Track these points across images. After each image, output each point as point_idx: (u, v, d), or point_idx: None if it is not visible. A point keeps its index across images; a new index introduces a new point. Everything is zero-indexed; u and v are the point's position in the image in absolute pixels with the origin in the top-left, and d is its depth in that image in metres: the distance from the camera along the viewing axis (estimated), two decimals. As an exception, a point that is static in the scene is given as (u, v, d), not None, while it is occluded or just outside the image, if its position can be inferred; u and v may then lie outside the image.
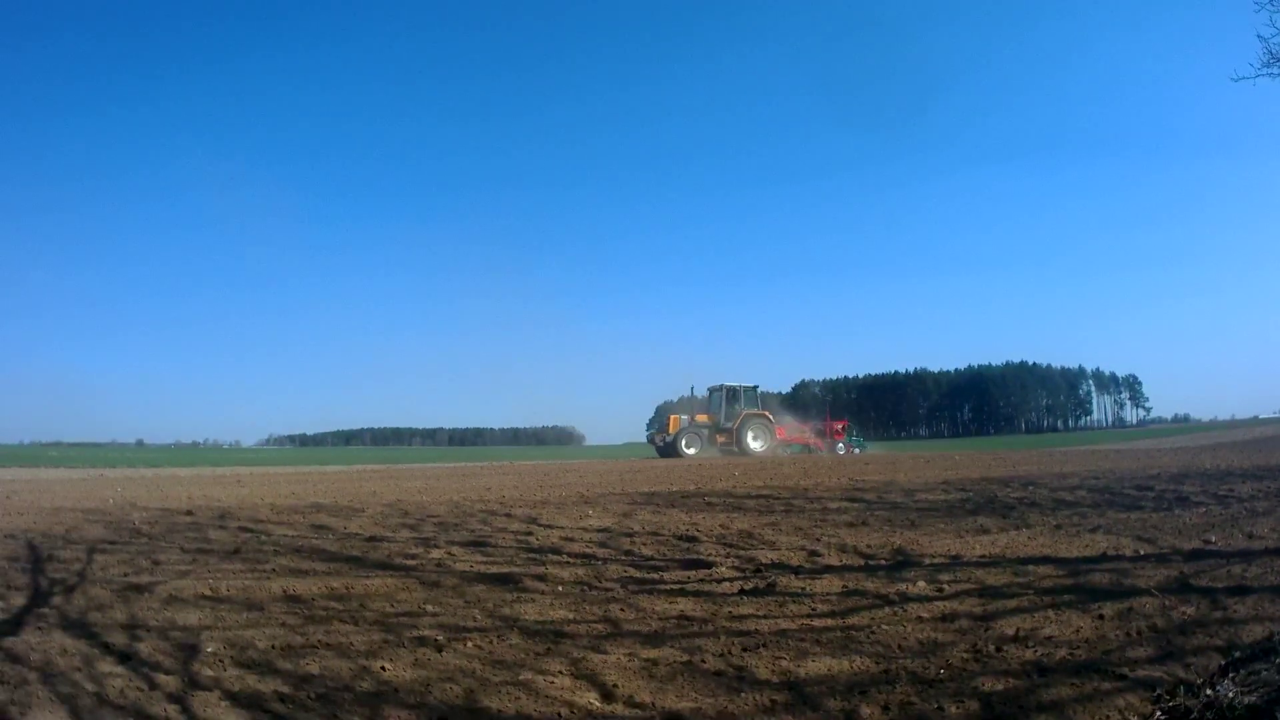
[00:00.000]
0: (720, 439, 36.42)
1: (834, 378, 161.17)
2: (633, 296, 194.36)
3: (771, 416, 37.43)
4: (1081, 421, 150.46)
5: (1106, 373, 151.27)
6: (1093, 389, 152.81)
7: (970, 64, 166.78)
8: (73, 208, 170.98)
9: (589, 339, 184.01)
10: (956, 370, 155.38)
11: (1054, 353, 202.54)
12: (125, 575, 7.10)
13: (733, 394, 37.49)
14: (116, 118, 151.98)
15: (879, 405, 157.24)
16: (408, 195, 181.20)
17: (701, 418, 37.42)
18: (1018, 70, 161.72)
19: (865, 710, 3.70)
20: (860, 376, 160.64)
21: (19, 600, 6.39)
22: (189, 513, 11.43)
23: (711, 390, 38.55)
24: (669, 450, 35.95)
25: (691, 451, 35.40)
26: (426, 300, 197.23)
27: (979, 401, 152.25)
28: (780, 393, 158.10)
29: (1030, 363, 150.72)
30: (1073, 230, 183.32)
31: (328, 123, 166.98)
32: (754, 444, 35.64)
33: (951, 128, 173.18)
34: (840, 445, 39.98)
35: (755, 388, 38.05)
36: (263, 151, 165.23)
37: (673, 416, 37.87)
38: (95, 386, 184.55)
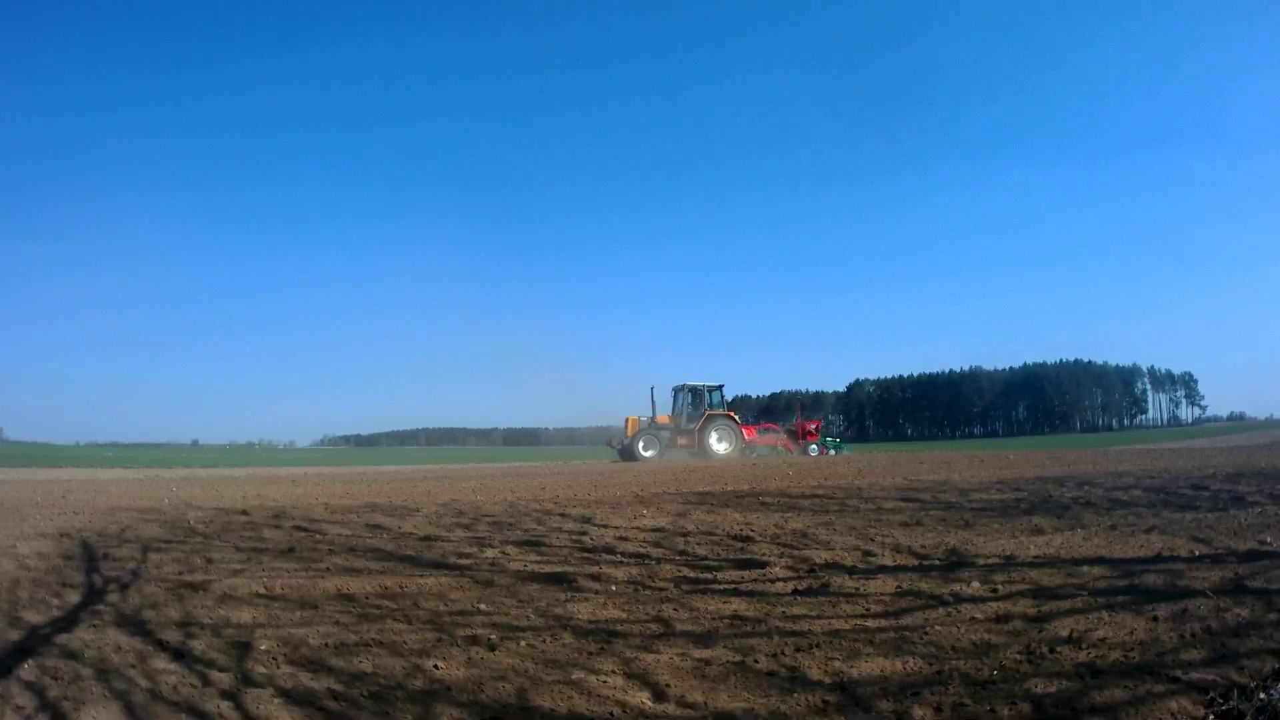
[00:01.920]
0: (681, 441, 35.21)
1: (887, 377, 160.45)
2: (680, 298, 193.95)
3: (736, 417, 36.14)
4: (1136, 420, 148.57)
5: (1162, 370, 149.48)
6: (1148, 387, 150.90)
7: (1009, 56, 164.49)
8: (125, 211, 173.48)
9: (638, 339, 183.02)
10: (1011, 369, 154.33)
11: (1109, 350, 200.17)
12: (180, 573, 7.20)
13: (695, 394, 36.40)
14: (161, 115, 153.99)
15: (933, 404, 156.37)
16: (457, 195, 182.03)
17: (662, 419, 36.23)
18: (1063, 62, 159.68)
19: (917, 711, 3.68)
20: (914, 375, 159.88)
21: (74, 598, 6.50)
22: (244, 512, 11.55)
23: (675, 390, 37.10)
24: (627, 453, 34.91)
25: (649, 454, 34.14)
26: (482, 300, 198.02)
27: (1034, 400, 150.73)
28: (835, 392, 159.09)
29: (1085, 360, 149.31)
30: (1128, 226, 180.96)
31: (383, 121, 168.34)
32: (717, 446, 34.42)
33: (998, 124, 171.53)
34: (813, 447, 38.51)
35: (720, 387, 36.82)
36: (315, 148, 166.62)
37: (630, 418, 36.45)
38: (151, 388, 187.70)
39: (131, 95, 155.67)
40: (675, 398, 36.97)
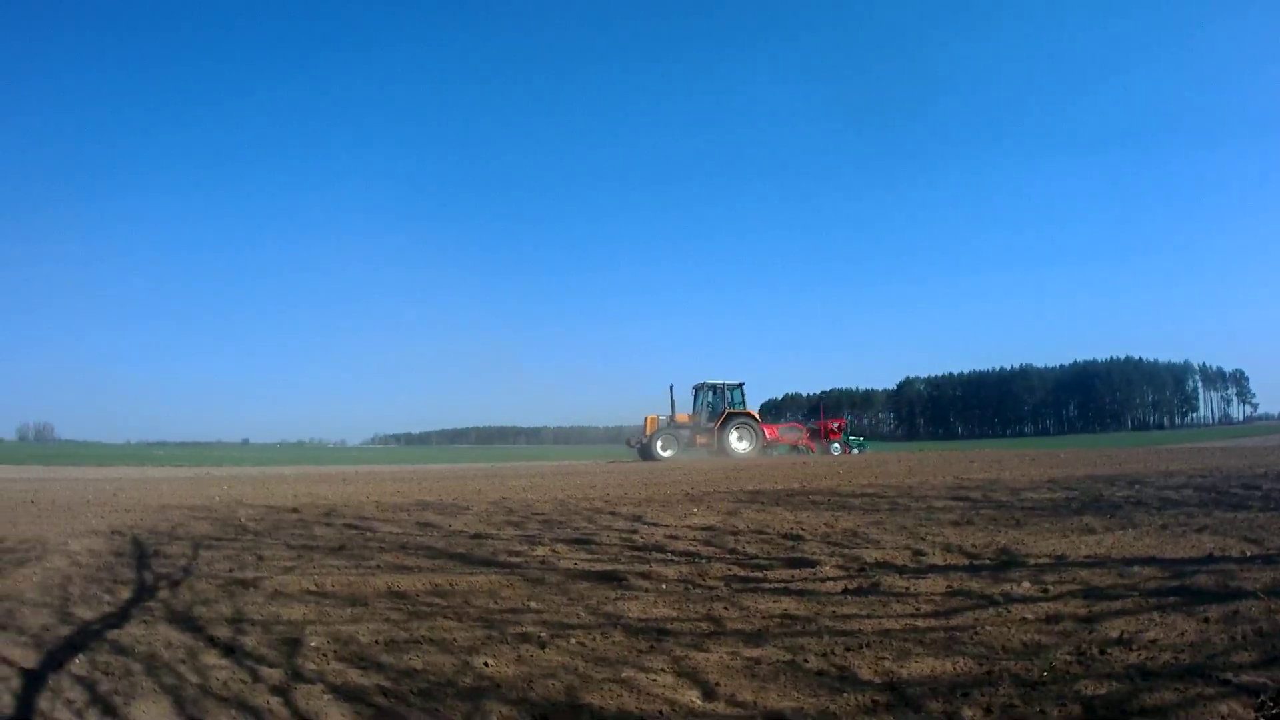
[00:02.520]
0: (701, 440, 34.78)
1: (938, 375, 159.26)
2: (733, 298, 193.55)
3: (757, 416, 35.87)
4: (1187, 418, 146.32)
5: (1213, 368, 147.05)
6: (1199, 385, 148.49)
7: (1067, 48, 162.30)
8: (176, 212, 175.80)
9: (686, 339, 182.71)
10: (1061, 366, 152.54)
11: (1160, 347, 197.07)
12: (230, 571, 7.30)
13: (715, 392, 35.91)
14: (207, 114, 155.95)
15: (983, 402, 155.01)
16: (505, 197, 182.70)
17: (682, 418, 35.77)
18: (1118, 55, 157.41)
19: (967, 712, 3.65)
20: (964, 374, 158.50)
21: (125, 594, 6.60)
22: (295, 510, 11.71)
23: (696, 389, 36.89)
24: (645, 452, 34.66)
25: (668, 454, 33.75)
26: (532, 299, 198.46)
27: (1084, 398, 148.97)
28: (885, 390, 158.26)
29: (1136, 358, 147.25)
30: (1179, 221, 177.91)
31: (423, 122, 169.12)
32: (737, 445, 33.96)
33: (1050, 116, 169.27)
34: (836, 446, 38.01)
35: (740, 385, 36.15)
36: (367, 151, 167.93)
37: (650, 417, 36.03)
38: (202, 388, 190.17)
39: (174, 95, 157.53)
40: (695, 396, 36.63)
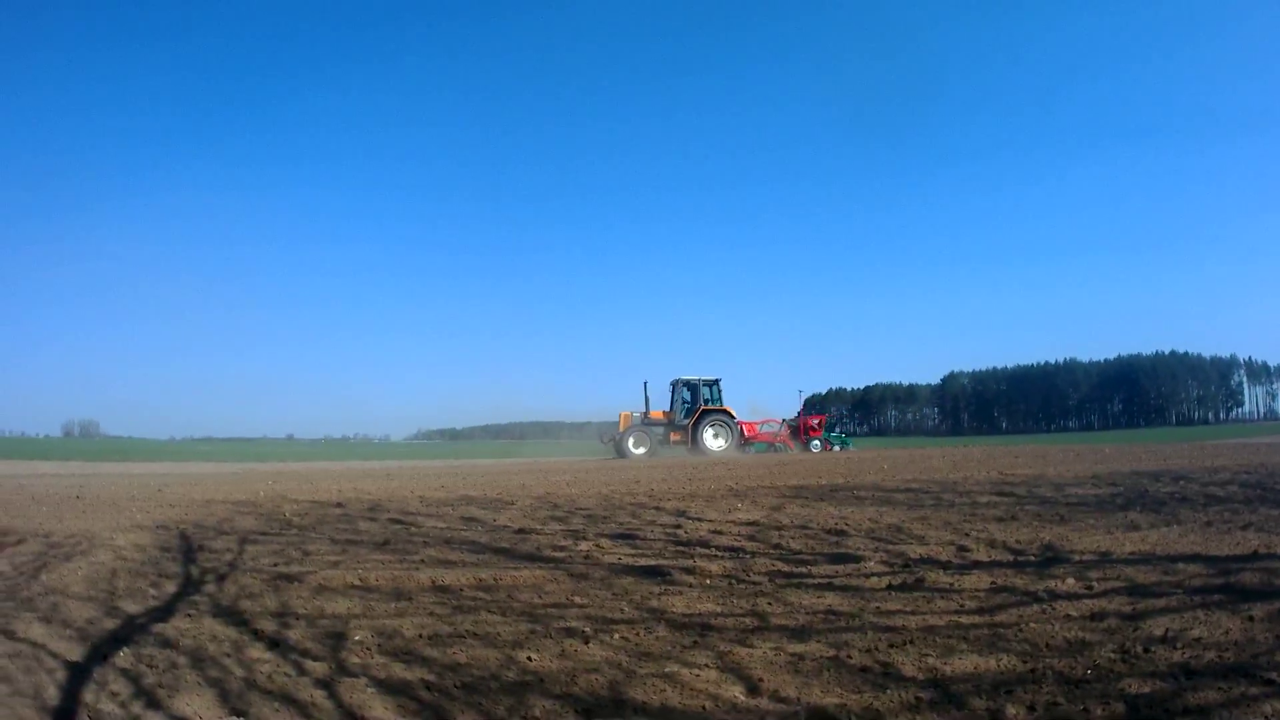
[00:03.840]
0: (675, 437, 33.90)
1: (983, 369, 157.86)
2: (778, 293, 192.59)
3: (733, 412, 34.52)
4: (1233, 413, 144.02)
5: (1259, 362, 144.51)
6: (1245, 379, 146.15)
7: (1113, 37, 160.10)
8: (218, 209, 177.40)
9: (738, 332, 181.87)
10: (1106, 360, 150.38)
11: (1205, 341, 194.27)
12: (275, 565, 7.39)
13: (690, 388, 34.91)
14: (270, 112, 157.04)
15: (1028, 397, 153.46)
16: (543, 199, 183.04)
17: (656, 414, 34.73)
18: (1158, 41, 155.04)
19: (1010, 710, 3.65)
20: (1009, 368, 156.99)
21: (170, 588, 6.72)
22: (339, 505, 11.87)
23: (672, 384, 35.50)
24: (618, 450, 33.57)
25: (639, 452, 32.69)
26: (574, 294, 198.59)
27: (1129, 393, 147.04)
28: (929, 385, 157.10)
29: (1181, 352, 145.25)
30: (1224, 213, 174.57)
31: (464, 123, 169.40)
32: (713, 443, 33.15)
33: (1094, 103, 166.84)
34: (816, 443, 36.35)
35: (717, 381, 35.16)
36: (411, 151, 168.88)
37: (624, 413, 34.75)
38: (246, 384, 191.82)
39: (217, 93, 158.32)
40: (671, 392, 35.53)
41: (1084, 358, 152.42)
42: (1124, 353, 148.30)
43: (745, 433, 34.76)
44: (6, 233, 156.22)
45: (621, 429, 34.05)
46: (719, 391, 34.98)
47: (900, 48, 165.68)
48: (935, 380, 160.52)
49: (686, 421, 33.80)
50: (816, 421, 38.15)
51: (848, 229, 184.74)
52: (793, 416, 37.71)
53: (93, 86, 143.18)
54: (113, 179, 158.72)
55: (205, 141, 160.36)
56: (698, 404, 34.22)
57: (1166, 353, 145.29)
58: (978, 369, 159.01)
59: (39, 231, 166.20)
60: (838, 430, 41.84)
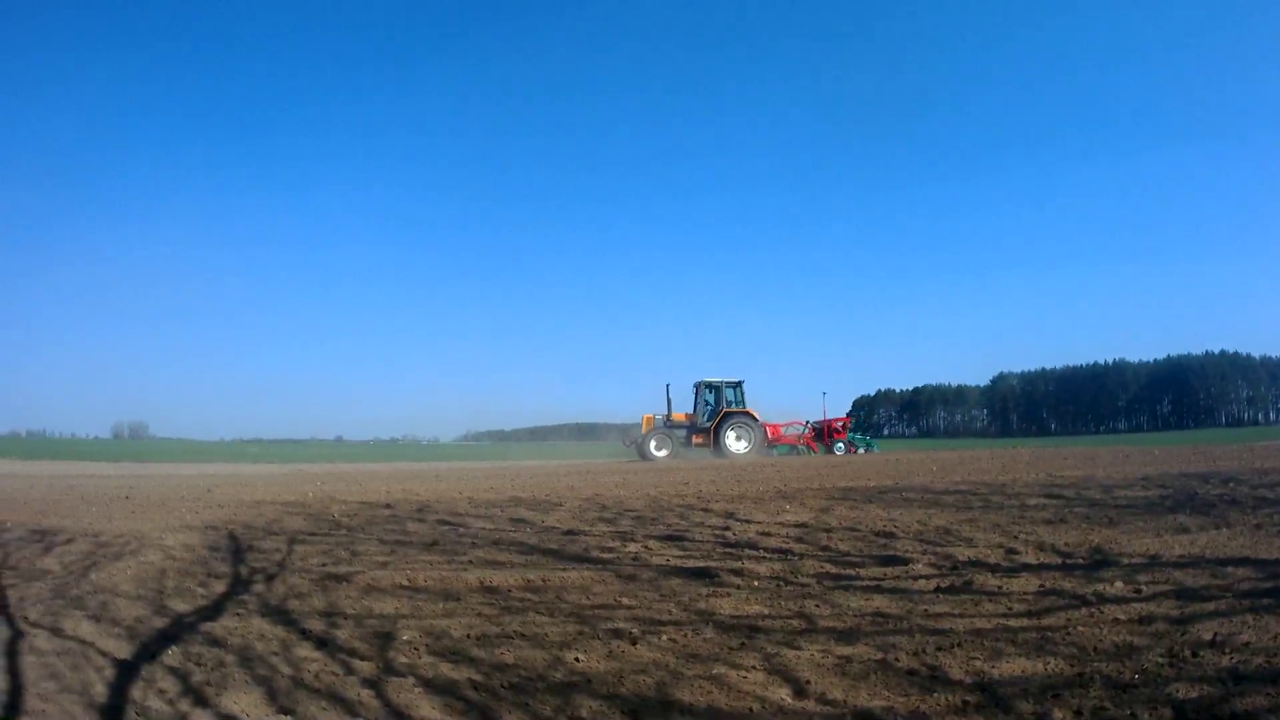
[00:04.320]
0: (697, 439, 33.31)
1: (1031, 370, 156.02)
2: (827, 292, 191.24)
3: (756, 415, 33.61)
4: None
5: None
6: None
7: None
8: (268, 211, 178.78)
9: (786, 336, 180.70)
10: (1155, 361, 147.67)
11: (1256, 341, 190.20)
12: (324, 565, 7.48)
13: (712, 390, 34.28)
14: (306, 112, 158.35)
15: (1077, 398, 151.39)
16: (602, 200, 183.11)
17: (679, 416, 34.28)
18: (1196, 38, 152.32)
19: (1057, 714, 3.63)
20: (1058, 369, 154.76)
21: (219, 587, 6.81)
22: (388, 506, 11.97)
23: (696, 387, 34.94)
24: (640, 452, 33.03)
25: (661, 454, 32.27)
26: (631, 294, 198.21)
27: (1178, 393, 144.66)
28: (978, 386, 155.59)
29: (1231, 352, 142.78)
30: (1274, 211, 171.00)
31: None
32: (735, 445, 32.43)
33: (1142, 103, 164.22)
34: (840, 445, 35.44)
35: (740, 383, 34.37)
36: (451, 152, 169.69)
37: (646, 416, 34.36)
38: (295, 386, 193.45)
39: (292, 89, 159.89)
40: (695, 395, 35.01)
41: (1133, 358, 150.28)
42: (1173, 353, 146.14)
43: (769, 434, 34.27)
44: (55, 237, 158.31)
45: (644, 431, 33.77)
46: (742, 394, 34.43)
47: (954, 45, 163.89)
48: (984, 381, 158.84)
49: (709, 424, 33.40)
50: (840, 424, 37.44)
51: (899, 231, 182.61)
52: (817, 420, 37.00)
53: (135, 85, 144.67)
54: (159, 180, 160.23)
55: (245, 143, 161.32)
56: (720, 406, 33.80)
57: (1216, 353, 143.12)
58: (1027, 370, 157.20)
59: (87, 236, 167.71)
60: (863, 433, 40.10)
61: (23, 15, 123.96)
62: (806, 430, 36.18)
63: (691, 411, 34.54)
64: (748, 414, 33.32)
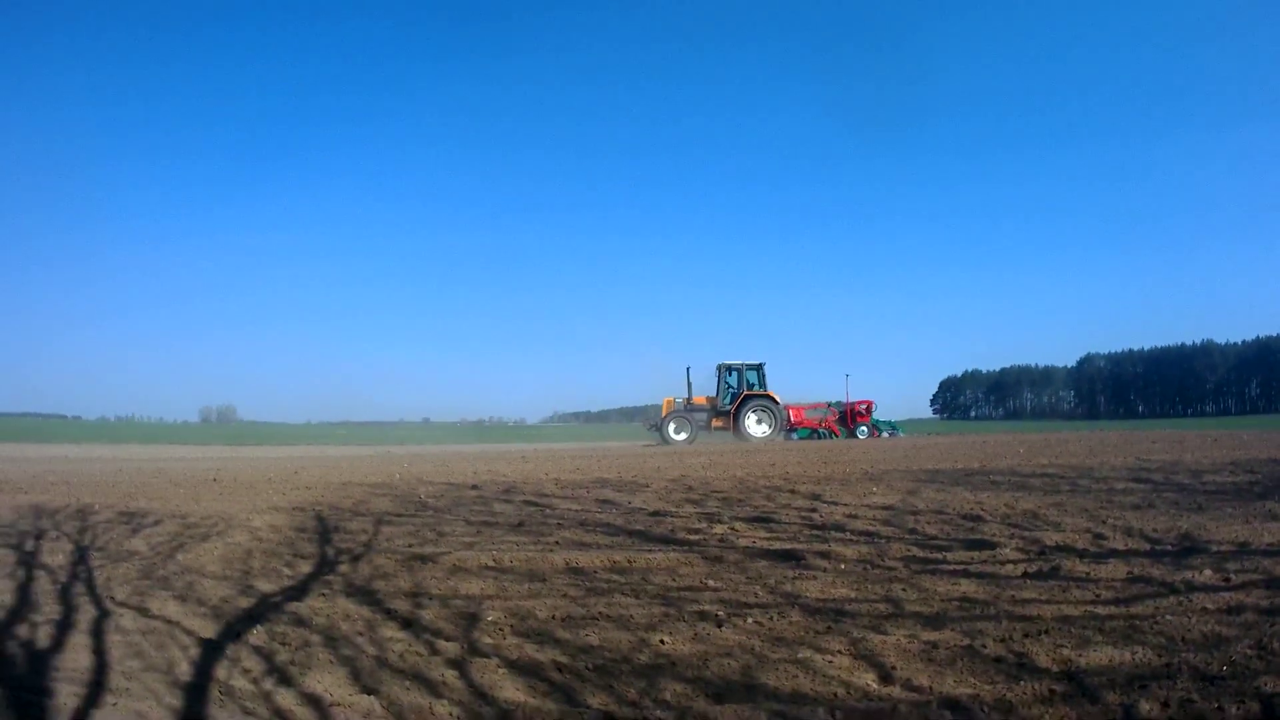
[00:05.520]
0: (718, 423, 32.80)
1: (1119, 351, 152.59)
2: (920, 273, 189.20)
3: (778, 398, 32.95)
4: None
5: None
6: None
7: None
8: (358, 200, 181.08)
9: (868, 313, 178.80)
10: (1244, 342, 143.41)
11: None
12: (410, 546, 7.59)
13: (733, 372, 33.58)
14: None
15: (1164, 380, 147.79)
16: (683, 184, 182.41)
17: (699, 400, 33.70)
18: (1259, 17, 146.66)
19: (1144, 705, 3.57)
20: (1145, 350, 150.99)
21: (305, 568, 6.96)
22: (474, 487, 12.08)
23: (718, 369, 34.11)
24: (660, 435, 32.75)
25: (680, 438, 32.02)
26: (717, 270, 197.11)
27: (1267, 375, 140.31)
28: (1065, 367, 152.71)
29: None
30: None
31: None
32: (755, 429, 31.93)
33: (1226, 79, 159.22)
34: (863, 429, 34.52)
35: (760, 365, 33.63)
36: (538, 141, 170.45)
37: (667, 399, 34.01)
38: (384, 369, 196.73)
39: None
40: (717, 377, 34.30)
41: (1220, 339, 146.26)
42: (1263, 334, 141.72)
43: (791, 417, 33.91)
44: (144, 226, 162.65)
45: (664, 414, 33.49)
46: (763, 376, 33.83)
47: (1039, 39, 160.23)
48: (1071, 363, 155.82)
49: (729, 407, 32.94)
50: (864, 407, 35.79)
51: (992, 210, 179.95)
52: (839, 403, 36.13)
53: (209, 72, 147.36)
54: (243, 170, 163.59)
55: (336, 129, 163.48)
56: (741, 389, 33.27)
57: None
58: (1114, 351, 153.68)
59: (174, 224, 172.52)
60: (888, 418, 38.50)
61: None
62: (829, 413, 35.44)
63: (715, 394, 34.12)
64: (769, 397, 32.95)
